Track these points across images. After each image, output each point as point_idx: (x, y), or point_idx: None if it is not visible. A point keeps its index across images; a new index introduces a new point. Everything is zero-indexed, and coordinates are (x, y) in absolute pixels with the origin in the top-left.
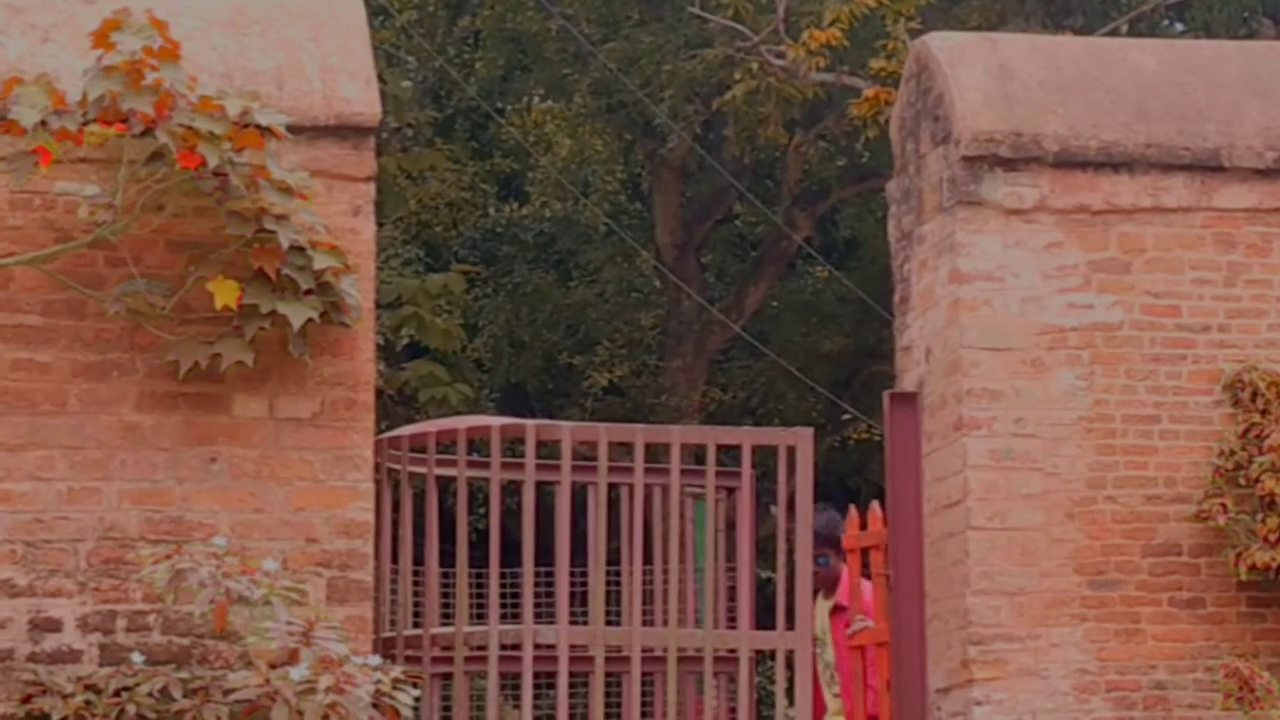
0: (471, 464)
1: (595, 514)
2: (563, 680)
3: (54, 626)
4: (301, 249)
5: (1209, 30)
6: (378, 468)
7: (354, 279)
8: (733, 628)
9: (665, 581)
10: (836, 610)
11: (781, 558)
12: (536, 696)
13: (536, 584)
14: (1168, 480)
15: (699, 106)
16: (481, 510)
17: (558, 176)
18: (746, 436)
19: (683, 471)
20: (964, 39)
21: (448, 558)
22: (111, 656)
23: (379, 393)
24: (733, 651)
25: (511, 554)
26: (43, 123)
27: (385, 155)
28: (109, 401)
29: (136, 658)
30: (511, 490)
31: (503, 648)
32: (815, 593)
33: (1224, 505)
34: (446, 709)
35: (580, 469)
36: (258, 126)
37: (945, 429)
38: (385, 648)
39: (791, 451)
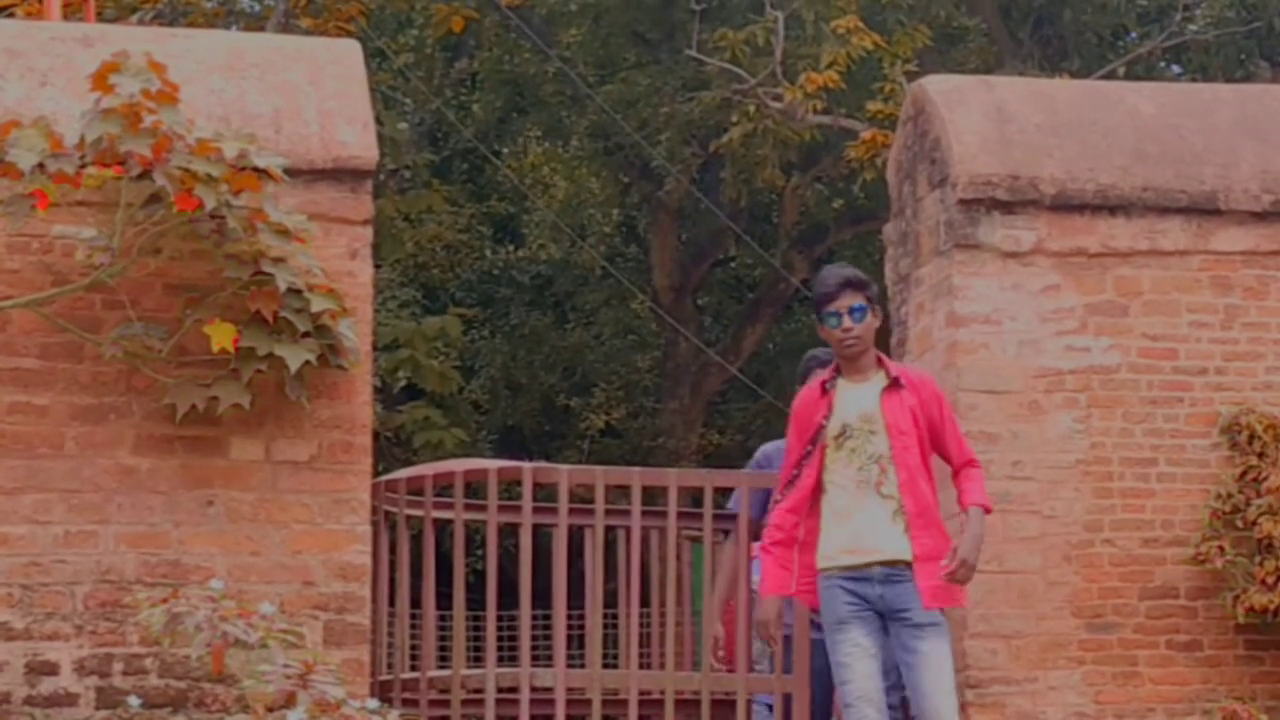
0: (468, 507)
1: (592, 556)
2: None
3: (51, 670)
4: (299, 292)
5: (1206, 73)
6: (375, 510)
7: (351, 322)
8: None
9: (662, 624)
10: (892, 387)
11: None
12: None
13: (534, 626)
14: (1165, 523)
15: (696, 149)
16: (479, 553)
17: (554, 219)
18: (744, 479)
19: (680, 514)
20: (961, 82)
21: (445, 600)
22: (108, 700)
23: (375, 435)
24: (730, 694)
25: (509, 596)
26: (40, 166)
27: (383, 197)
28: (106, 444)
29: (133, 701)
30: (509, 533)
31: (500, 690)
32: (837, 370)
33: (1221, 548)
34: None
35: (577, 511)
36: (255, 169)
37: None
38: (382, 691)
39: None
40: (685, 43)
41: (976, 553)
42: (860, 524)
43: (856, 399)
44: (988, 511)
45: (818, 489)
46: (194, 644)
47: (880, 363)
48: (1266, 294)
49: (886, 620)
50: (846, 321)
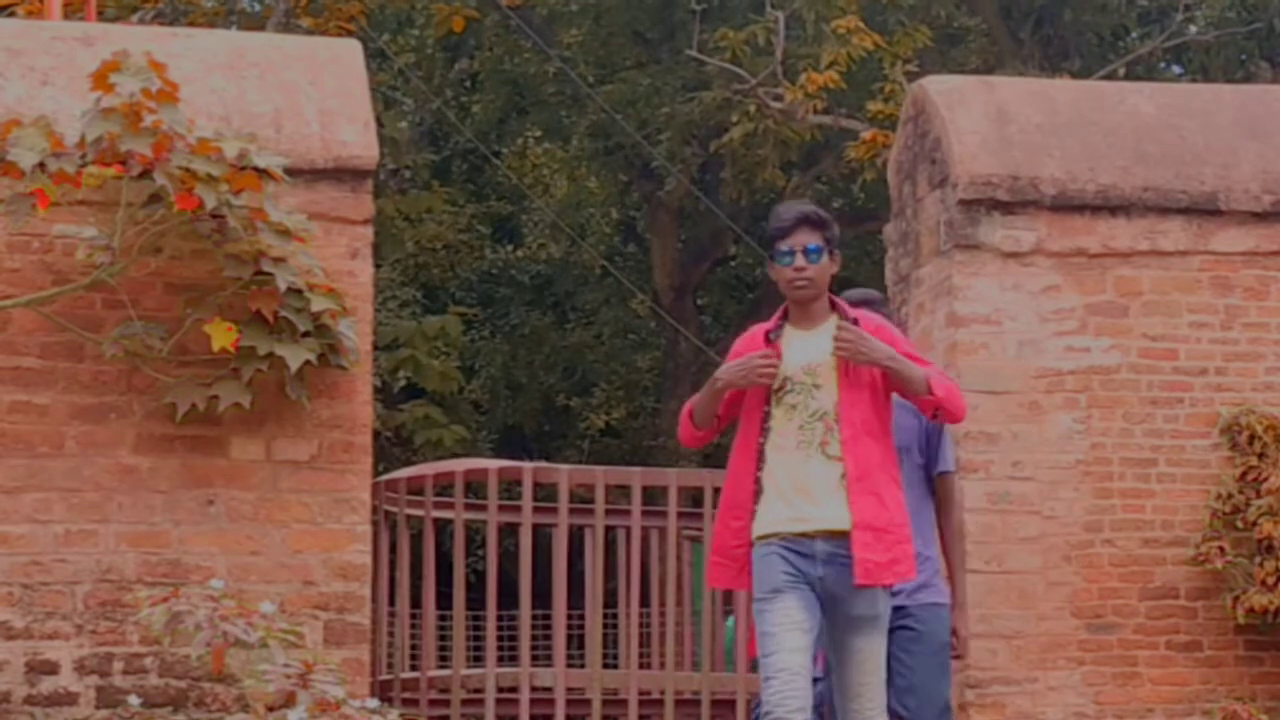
0: (469, 506)
1: (592, 556)
2: None
3: (51, 669)
4: (299, 291)
5: (1206, 74)
6: (375, 510)
7: (351, 321)
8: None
9: (662, 624)
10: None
11: None
12: None
13: (534, 626)
14: (1165, 523)
15: (696, 149)
16: (479, 552)
17: (554, 219)
18: None
19: (680, 514)
20: (961, 82)
21: (445, 600)
22: (108, 699)
23: (375, 434)
24: (730, 694)
25: (508, 596)
26: (41, 165)
27: (383, 197)
28: (106, 444)
29: (133, 700)
30: (509, 533)
31: (500, 690)
32: (783, 317)
33: (1221, 548)
34: None
35: (577, 511)
36: (255, 169)
37: None
38: (382, 690)
39: None
40: (685, 43)
41: (881, 352)
42: (802, 490)
43: (801, 349)
44: (933, 388)
45: (759, 455)
46: (194, 643)
47: (834, 308)
48: (1267, 294)
49: (824, 606)
50: (799, 260)
